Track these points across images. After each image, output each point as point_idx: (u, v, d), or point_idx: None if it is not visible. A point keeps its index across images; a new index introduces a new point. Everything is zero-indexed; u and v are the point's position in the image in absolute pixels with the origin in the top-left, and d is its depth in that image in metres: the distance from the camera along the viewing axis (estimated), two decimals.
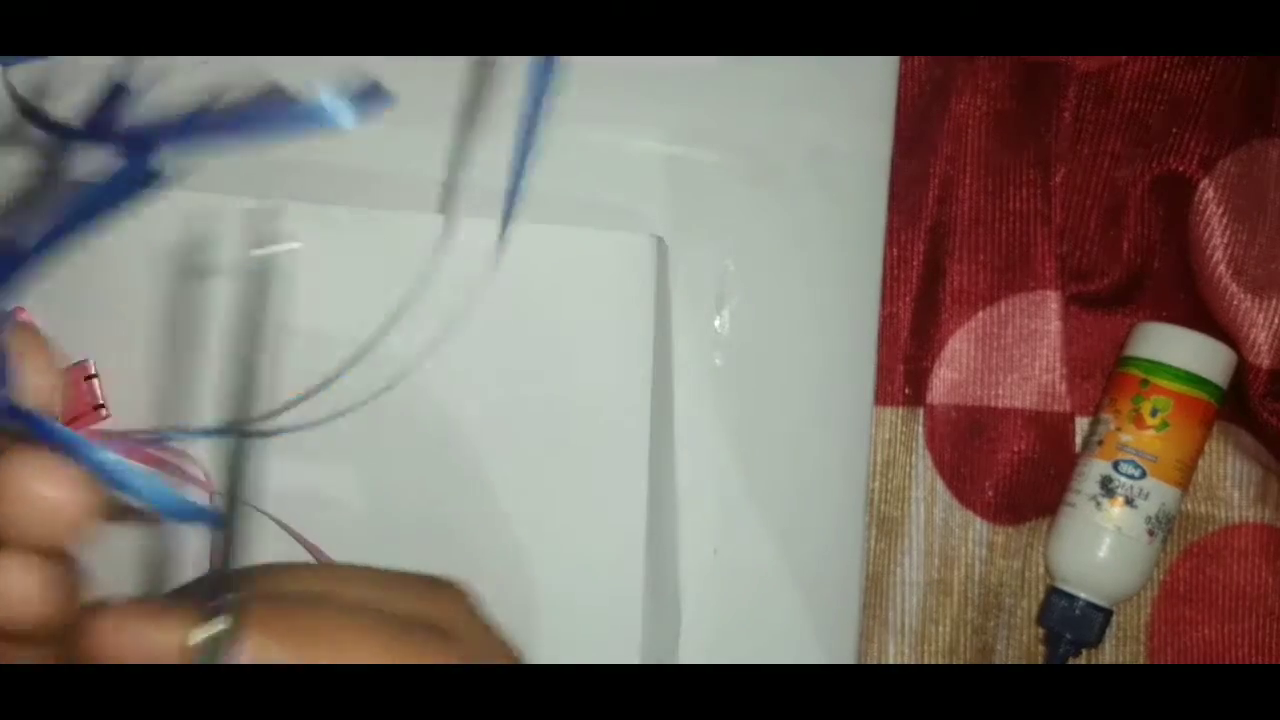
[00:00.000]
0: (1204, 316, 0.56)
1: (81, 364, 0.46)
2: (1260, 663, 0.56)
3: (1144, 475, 0.53)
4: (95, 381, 0.46)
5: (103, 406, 0.46)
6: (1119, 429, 0.54)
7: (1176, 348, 0.54)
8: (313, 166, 0.47)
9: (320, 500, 0.48)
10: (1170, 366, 0.53)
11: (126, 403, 0.46)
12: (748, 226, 0.50)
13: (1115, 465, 0.53)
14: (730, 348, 0.50)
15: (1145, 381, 0.54)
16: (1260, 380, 0.54)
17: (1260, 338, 0.54)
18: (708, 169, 0.50)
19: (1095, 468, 0.54)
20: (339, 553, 0.47)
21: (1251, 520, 0.56)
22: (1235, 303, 0.55)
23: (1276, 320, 0.54)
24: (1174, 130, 0.57)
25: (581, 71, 0.49)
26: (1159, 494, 0.53)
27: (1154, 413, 0.53)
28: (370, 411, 0.46)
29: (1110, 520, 0.53)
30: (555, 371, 0.48)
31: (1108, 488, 0.53)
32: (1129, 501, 0.53)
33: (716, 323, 0.50)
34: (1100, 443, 0.54)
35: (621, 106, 0.50)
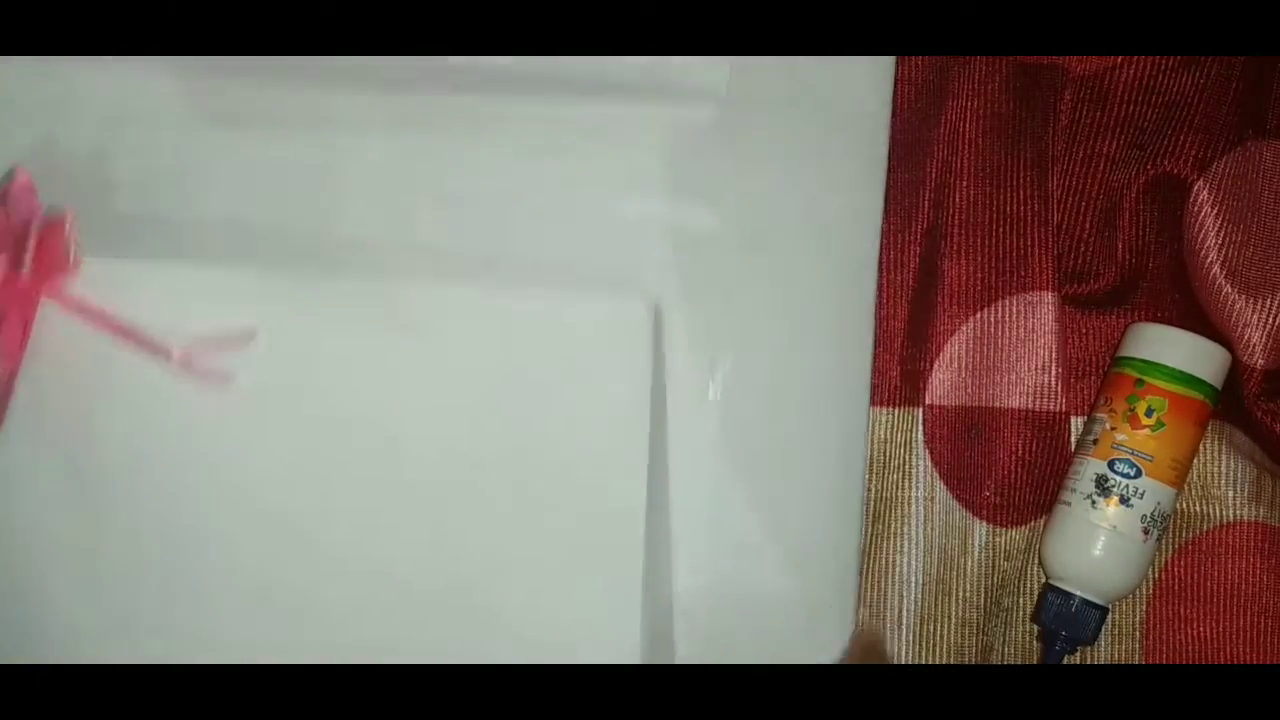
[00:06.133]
0: (1198, 317, 0.56)
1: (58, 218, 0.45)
2: (1255, 660, 0.56)
3: (1139, 474, 0.53)
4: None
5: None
6: (1114, 428, 0.54)
7: (1172, 348, 0.54)
8: (304, 235, 0.48)
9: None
10: (1165, 367, 0.54)
11: None
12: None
13: (1110, 464, 0.54)
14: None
15: (1140, 381, 0.54)
16: (1254, 380, 0.55)
17: (1254, 338, 0.55)
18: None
19: (1090, 466, 0.54)
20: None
21: (1246, 518, 0.57)
22: (1229, 303, 0.55)
23: (1270, 320, 0.55)
24: (1169, 132, 0.57)
25: (572, 133, 0.49)
26: (1154, 493, 0.53)
27: (1149, 412, 0.53)
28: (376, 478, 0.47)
29: (1106, 519, 0.53)
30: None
31: (1103, 487, 0.54)
32: (1124, 500, 0.53)
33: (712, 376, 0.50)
34: (1095, 442, 0.54)
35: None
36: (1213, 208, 0.56)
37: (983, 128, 0.57)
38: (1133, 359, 0.55)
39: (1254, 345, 0.55)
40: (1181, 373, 0.54)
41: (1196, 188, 0.56)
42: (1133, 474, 0.53)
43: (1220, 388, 0.55)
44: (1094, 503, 0.54)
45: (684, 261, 0.50)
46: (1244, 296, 0.55)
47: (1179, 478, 0.54)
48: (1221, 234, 0.56)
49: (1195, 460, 0.56)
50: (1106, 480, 0.54)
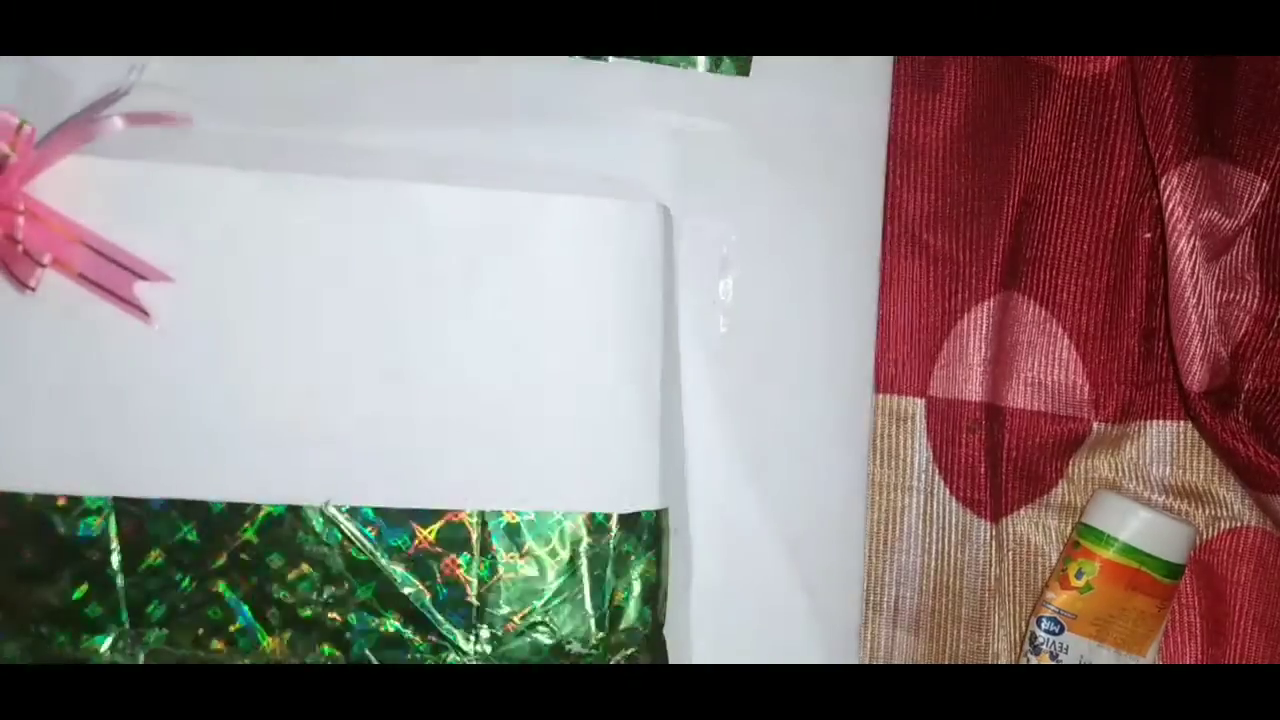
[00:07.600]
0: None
1: None
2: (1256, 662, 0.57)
3: (1062, 630, 0.57)
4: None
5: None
6: (1047, 586, 0.58)
7: (1112, 519, 0.57)
8: (317, 141, 0.49)
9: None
10: (1104, 534, 0.57)
11: None
12: (751, 201, 0.52)
13: (1039, 621, 0.57)
14: (734, 314, 0.51)
15: (1077, 544, 0.58)
16: (1203, 406, 0.55)
17: (1196, 367, 0.55)
18: (712, 141, 0.51)
19: (1032, 622, 0.58)
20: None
21: (1252, 525, 0.58)
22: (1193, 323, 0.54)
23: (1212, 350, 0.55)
24: (1166, 131, 0.54)
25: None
26: (1078, 646, 0.57)
27: (1079, 574, 0.56)
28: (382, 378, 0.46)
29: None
30: (562, 337, 0.48)
31: (1034, 644, 0.57)
32: (1053, 656, 0.57)
33: (720, 288, 0.51)
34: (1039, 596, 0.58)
35: (629, 79, 0.51)
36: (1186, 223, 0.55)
37: (982, 124, 0.57)
38: (1080, 523, 0.58)
39: (1195, 372, 0.54)
40: (1123, 544, 0.56)
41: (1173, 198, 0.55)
42: (1056, 630, 0.56)
43: (1179, 560, 0.57)
44: (1029, 660, 0.57)
45: (694, 169, 0.51)
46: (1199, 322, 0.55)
47: (1102, 631, 0.57)
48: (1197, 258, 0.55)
49: (1201, 467, 0.58)
50: (1036, 638, 0.57)
